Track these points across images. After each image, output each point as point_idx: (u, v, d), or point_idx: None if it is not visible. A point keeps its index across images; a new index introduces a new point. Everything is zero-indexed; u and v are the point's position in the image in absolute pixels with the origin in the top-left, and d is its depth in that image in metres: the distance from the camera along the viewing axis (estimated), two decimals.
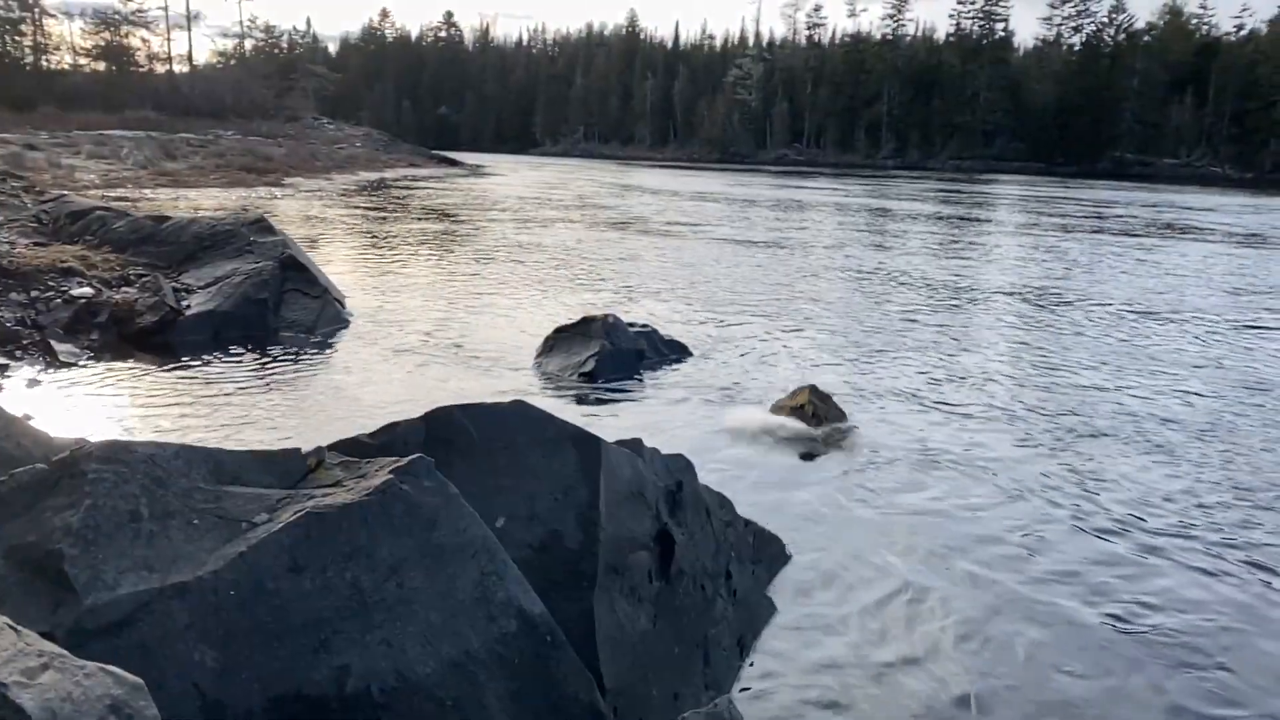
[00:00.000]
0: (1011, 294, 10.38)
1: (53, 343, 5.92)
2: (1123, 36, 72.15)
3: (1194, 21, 73.22)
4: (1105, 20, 73.70)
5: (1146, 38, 71.85)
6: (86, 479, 1.92)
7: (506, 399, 2.71)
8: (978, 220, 21.93)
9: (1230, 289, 11.42)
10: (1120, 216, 24.60)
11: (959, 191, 34.54)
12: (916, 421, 5.30)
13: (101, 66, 51.11)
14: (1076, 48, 73.92)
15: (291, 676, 1.81)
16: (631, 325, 6.46)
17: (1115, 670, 2.83)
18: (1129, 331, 8.40)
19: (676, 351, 6.48)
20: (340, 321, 7.31)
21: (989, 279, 11.57)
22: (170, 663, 1.74)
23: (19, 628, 1.39)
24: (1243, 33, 70.84)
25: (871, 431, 5.04)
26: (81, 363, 5.77)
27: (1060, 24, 76.10)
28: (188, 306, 6.78)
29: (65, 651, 1.37)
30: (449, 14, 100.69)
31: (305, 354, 6.38)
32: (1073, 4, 74.85)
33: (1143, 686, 2.76)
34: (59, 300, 6.50)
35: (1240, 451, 4.99)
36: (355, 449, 2.47)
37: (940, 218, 21.74)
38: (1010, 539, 3.77)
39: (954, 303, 9.65)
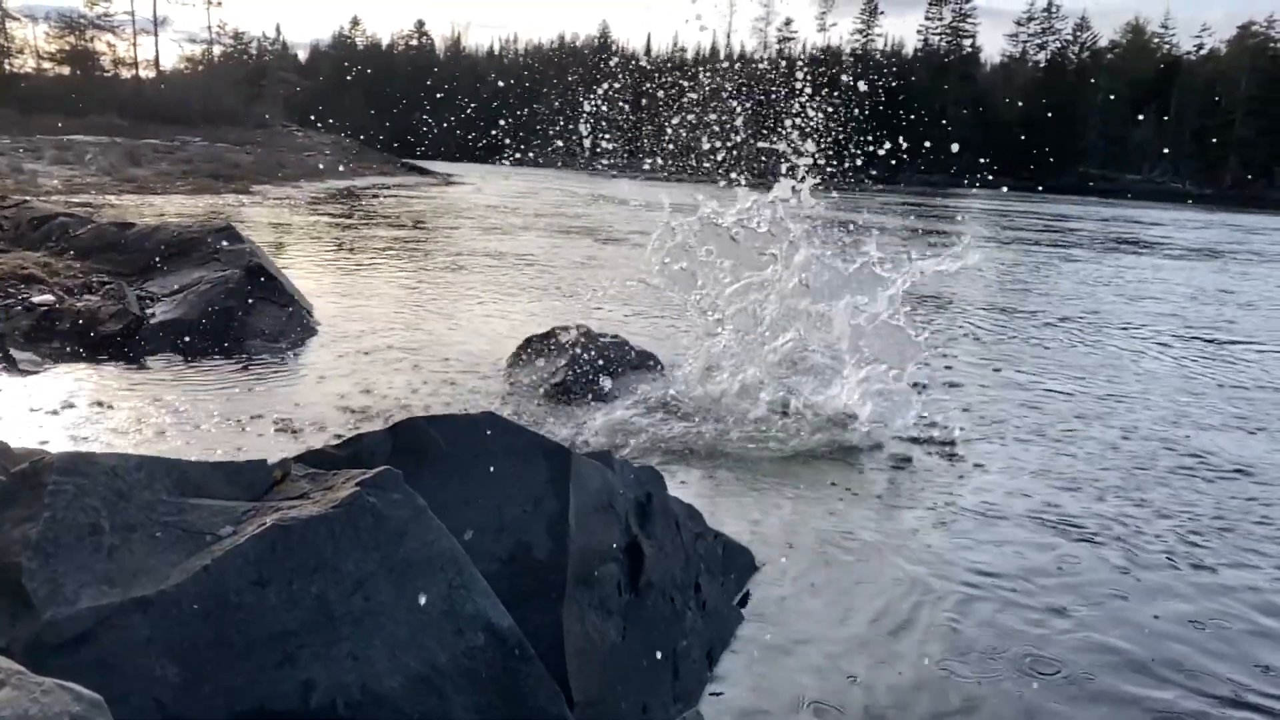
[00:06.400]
0: (971, 304, 10.54)
1: (13, 351, 5.81)
2: (1086, 54, 73.50)
3: (1155, 40, 74.73)
4: (1070, 38, 75.07)
5: (1110, 56, 73.28)
6: (46, 491, 1.89)
7: (476, 410, 2.70)
8: (942, 233, 22.19)
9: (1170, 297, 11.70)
10: (1075, 230, 25.18)
11: (925, 205, 34.94)
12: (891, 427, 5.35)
13: (66, 71, 50.51)
14: (1042, 65, 75.19)
15: (256, 691, 1.79)
16: (602, 335, 6.45)
17: (1093, 677, 2.86)
18: (1043, 334, 8.59)
19: (647, 362, 6.47)
20: (307, 330, 7.24)
21: (942, 288, 11.75)
22: (131, 678, 1.71)
23: None
24: (1203, 52, 72.39)
25: (846, 440, 5.07)
26: (42, 371, 5.67)
27: (1026, 41, 77.43)
28: (152, 314, 6.69)
29: (23, 668, 1.35)
30: (420, 22, 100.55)
31: (272, 363, 6.32)
32: (1038, 22, 76.16)
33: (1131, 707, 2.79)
34: (20, 308, 6.39)
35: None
36: (322, 460, 2.45)
37: (907, 230, 21.97)
38: (979, 541, 3.80)
39: (918, 310, 9.76)
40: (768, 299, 5.92)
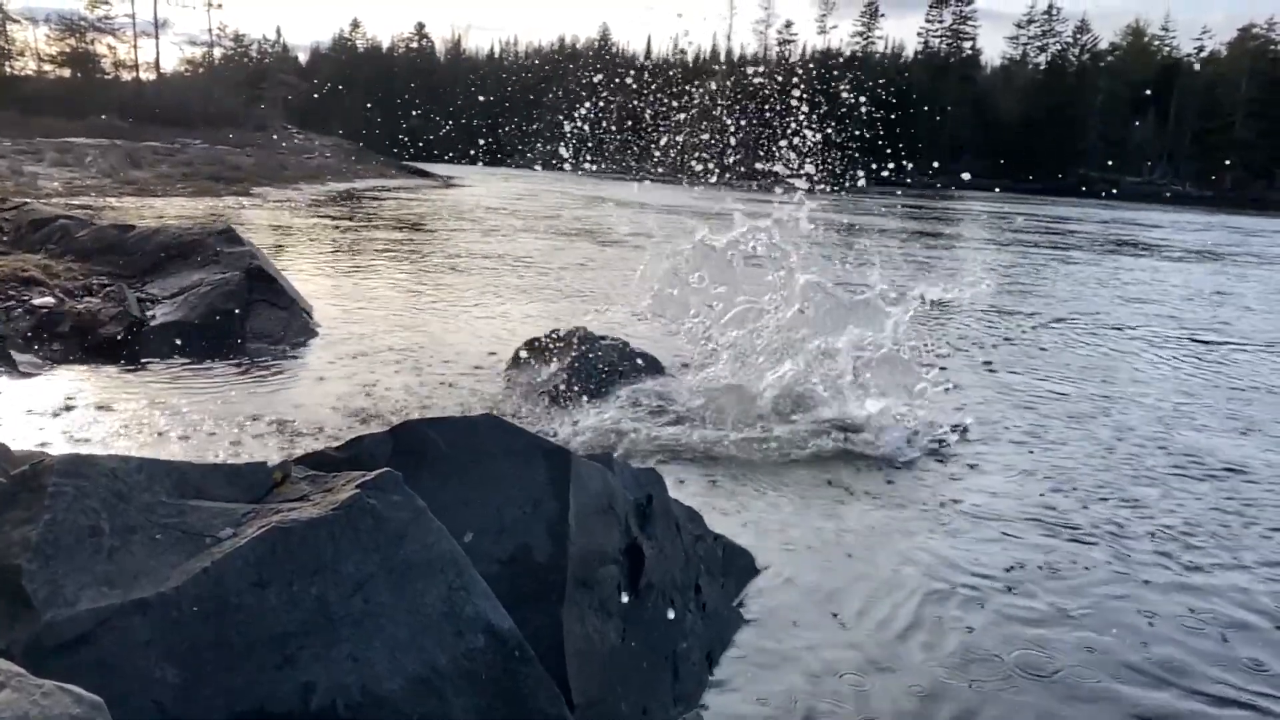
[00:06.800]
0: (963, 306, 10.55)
1: (13, 353, 5.81)
2: (1087, 56, 73.49)
3: (1155, 43, 74.74)
4: (1070, 40, 75.08)
5: (1110, 58, 73.25)
6: (46, 493, 1.89)
7: (475, 411, 2.70)
8: (941, 235, 22.22)
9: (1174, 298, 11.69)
10: (1074, 232, 25.23)
11: (925, 208, 34.96)
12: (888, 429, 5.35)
13: (66, 73, 50.54)
14: (1042, 67, 75.20)
15: (255, 693, 1.79)
16: (603, 338, 6.45)
17: (1091, 679, 2.86)
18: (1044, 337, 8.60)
19: (649, 366, 6.46)
20: (308, 332, 7.24)
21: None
22: (131, 680, 1.72)
23: None
24: (1203, 54, 72.40)
25: (845, 443, 5.07)
26: (43, 374, 5.68)
27: (1026, 43, 77.45)
28: (152, 317, 6.70)
29: (22, 670, 1.35)
30: (420, 25, 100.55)
31: (272, 365, 6.32)
32: (1038, 24, 76.19)
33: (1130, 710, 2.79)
34: (20, 310, 6.40)
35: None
36: (322, 462, 2.45)
37: (907, 233, 21.99)
38: (977, 542, 3.81)
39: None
40: (764, 328, 5.91)
